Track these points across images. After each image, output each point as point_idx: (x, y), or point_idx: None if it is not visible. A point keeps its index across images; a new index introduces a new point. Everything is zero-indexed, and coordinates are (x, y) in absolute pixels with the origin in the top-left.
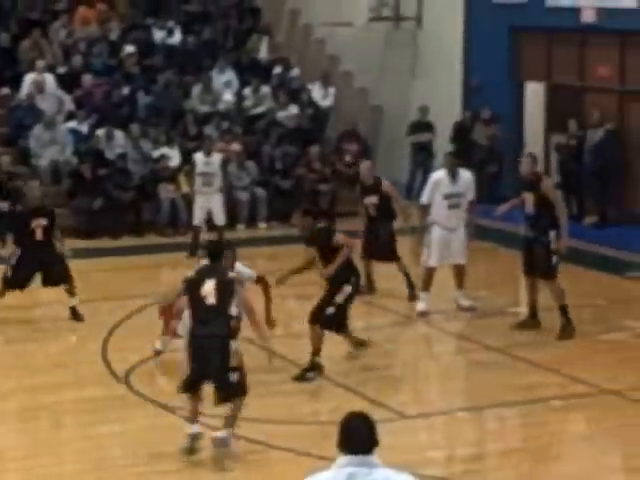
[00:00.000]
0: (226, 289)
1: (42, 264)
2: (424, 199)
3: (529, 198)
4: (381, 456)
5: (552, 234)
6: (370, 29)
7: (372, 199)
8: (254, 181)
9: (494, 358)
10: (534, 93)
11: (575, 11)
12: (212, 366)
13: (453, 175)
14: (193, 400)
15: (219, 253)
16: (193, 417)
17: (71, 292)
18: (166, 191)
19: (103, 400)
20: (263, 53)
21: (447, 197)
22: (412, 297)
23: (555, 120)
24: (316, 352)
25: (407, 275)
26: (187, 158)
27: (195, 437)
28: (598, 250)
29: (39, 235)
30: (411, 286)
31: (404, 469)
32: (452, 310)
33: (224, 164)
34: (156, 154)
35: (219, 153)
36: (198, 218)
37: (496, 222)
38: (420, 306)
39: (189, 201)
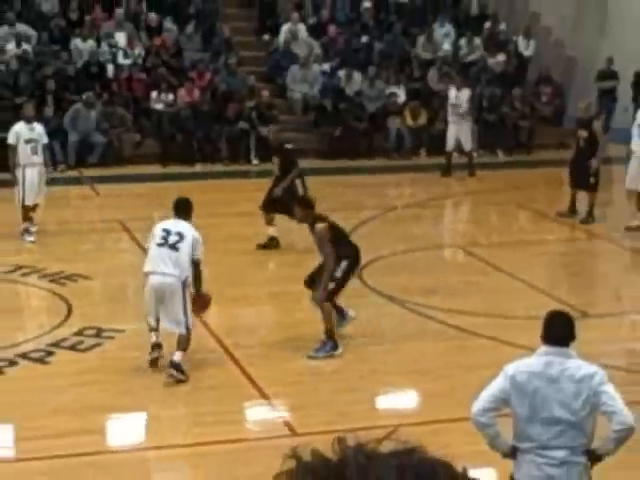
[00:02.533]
0: None
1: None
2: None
3: (583, 134)
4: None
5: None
6: None
7: (583, 133)
8: None
9: None
10: None
11: None
12: None
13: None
14: None
15: None
16: None
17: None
18: (394, 123)
19: None
20: (474, 10)
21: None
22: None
23: None
24: None
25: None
26: (412, 96)
27: None
28: None
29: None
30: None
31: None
32: None
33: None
34: (387, 92)
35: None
36: (450, 143)
37: None
38: None
39: (412, 130)
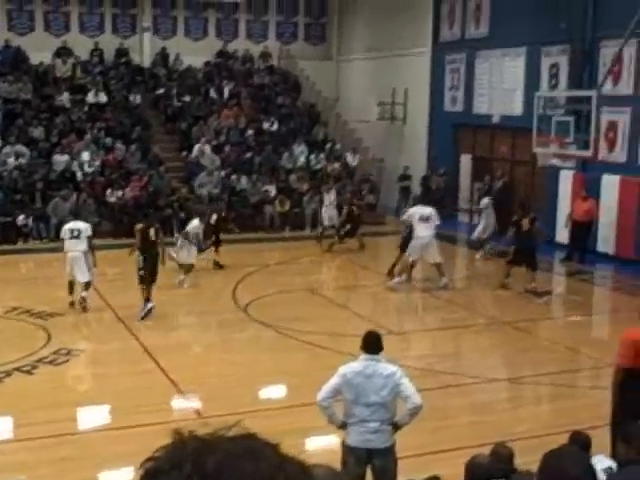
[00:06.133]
0: None
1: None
2: None
3: None
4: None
5: None
6: (377, 124)
7: None
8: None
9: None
10: (465, 160)
11: (489, 116)
12: None
13: None
14: None
15: None
16: None
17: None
18: (268, 209)
19: None
20: (320, 136)
21: None
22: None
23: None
24: None
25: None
26: (279, 192)
27: None
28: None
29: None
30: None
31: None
32: None
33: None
34: (263, 189)
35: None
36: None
37: None
38: None
39: (280, 214)
